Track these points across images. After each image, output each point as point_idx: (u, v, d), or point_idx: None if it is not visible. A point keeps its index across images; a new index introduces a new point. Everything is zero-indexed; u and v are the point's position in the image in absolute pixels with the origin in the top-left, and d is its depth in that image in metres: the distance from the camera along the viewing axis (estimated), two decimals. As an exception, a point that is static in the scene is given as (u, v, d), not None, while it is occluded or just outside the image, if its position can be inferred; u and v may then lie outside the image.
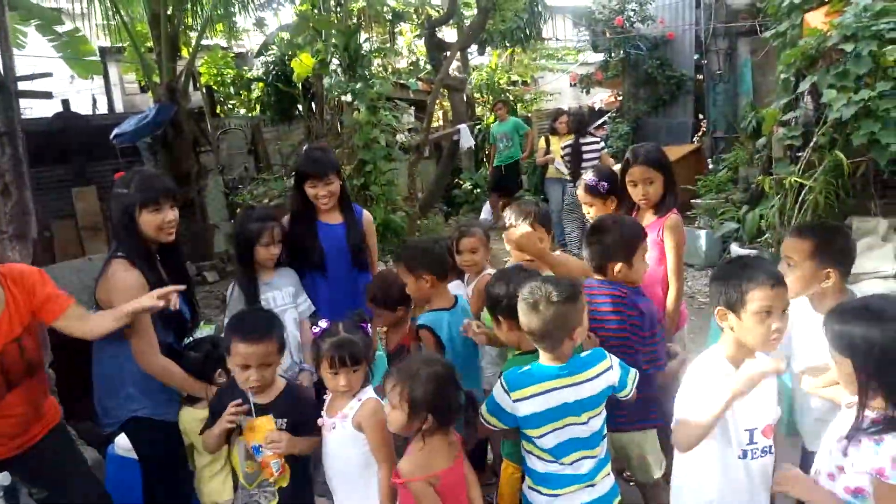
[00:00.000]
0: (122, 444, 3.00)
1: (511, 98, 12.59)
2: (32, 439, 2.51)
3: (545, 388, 2.19)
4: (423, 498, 2.11)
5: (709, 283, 2.19)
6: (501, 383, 2.24)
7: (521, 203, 3.19)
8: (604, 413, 2.27)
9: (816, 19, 6.35)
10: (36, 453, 2.51)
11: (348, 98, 7.08)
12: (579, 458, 2.23)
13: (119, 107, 13.38)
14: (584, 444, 2.23)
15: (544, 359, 2.23)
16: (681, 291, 3.05)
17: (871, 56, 5.40)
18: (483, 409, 2.30)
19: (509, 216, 3.04)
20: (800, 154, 5.98)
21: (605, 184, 3.27)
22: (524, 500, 2.33)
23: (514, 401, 2.20)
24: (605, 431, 2.31)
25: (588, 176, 3.35)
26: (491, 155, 12.25)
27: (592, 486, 2.24)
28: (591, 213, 3.33)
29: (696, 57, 10.44)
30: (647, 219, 3.13)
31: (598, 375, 2.24)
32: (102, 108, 13.25)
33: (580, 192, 3.38)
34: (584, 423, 2.21)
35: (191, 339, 2.84)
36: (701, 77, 10.47)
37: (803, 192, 5.81)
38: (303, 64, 7.53)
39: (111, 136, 7.90)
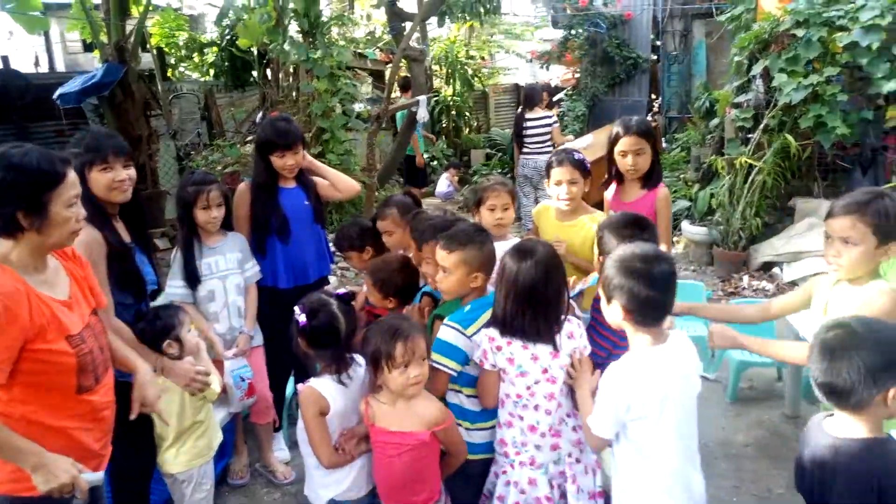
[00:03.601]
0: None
1: (469, 71, 12.53)
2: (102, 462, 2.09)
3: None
4: (455, 433, 2.26)
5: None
6: (452, 326, 2.30)
7: (498, 184, 3.04)
8: None
9: (770, 4, 6.52)
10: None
11: (307, 66, 6.91)
12: None
13: (61, 66, 12.81)
14: None
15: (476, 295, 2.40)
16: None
17: (820, 42, 5.60)
18: (433, 355, 2.30)
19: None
20: (750, 136, 6.17)
21: (588, 162, 3.12)
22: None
23: (471, 336, 2.29)
24: None
25: (568, 153, 3.07)
26: (449, 129, 12.24)
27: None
28: (572, 192, 3.03)
29: (651, 38, 10.59)
30: (634, 193, 3.15)
31: None
32: (43, 67, 12.66)
33: (562, 168, 3.03)
34: None
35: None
36: (656, 58, 10.63)
37: (753, 173, 6.01)
38: (248, 30, 7.31)
39: (54, 96, 7.57)
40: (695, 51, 9.96)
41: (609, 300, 2.03)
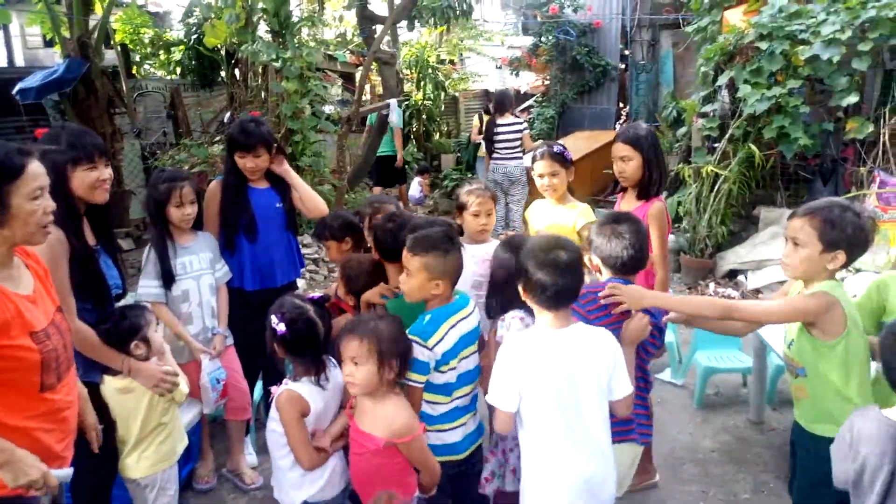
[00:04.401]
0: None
1: (440, 76, 12.54)
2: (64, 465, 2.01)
3: (451, 324, 2.35)
4: (420, 451, 2.19)
5: None
6: (413, 340, 2.29)
7: (481, 190, 3.10)
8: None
9: (735, 17, 6.68)
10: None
11: (276, 66, 6.83)
12: (469, 392, 2.46)
13: (20, 61, 12.45)
14: (471, 376, 2.45)
15: (438, 302, 2.38)
16: (667, 278, 3.07)
17: (783, 55, 5.74)
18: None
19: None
20: (716, 145, 6.29)
21: (570, 153, 3.26)
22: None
23: (433, 347, 2.29)
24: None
25: (549, 146, 3.25)
26: (419, 133, 12.20)
27: (475, 414, 2.51)
28: (554, 183, 3.21)
29: (620, 47, 10.74)
30: (632, 203, 3.17)
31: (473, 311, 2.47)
32: (0, 62, 12.30)
33: (542, 161, 3.22)
34: (473, 353, 2.43)
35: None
36: (625, 66, 10.78)
37: (719, 182, 6.12)
38: (215, 30, 7.20)
39: (14, 91, 7.36)
40: (662, 60, 10.13)
41: (524, 290, 2.18)
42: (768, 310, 2.29)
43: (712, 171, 6.12)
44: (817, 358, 2.21)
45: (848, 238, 2.12)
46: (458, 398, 2.42)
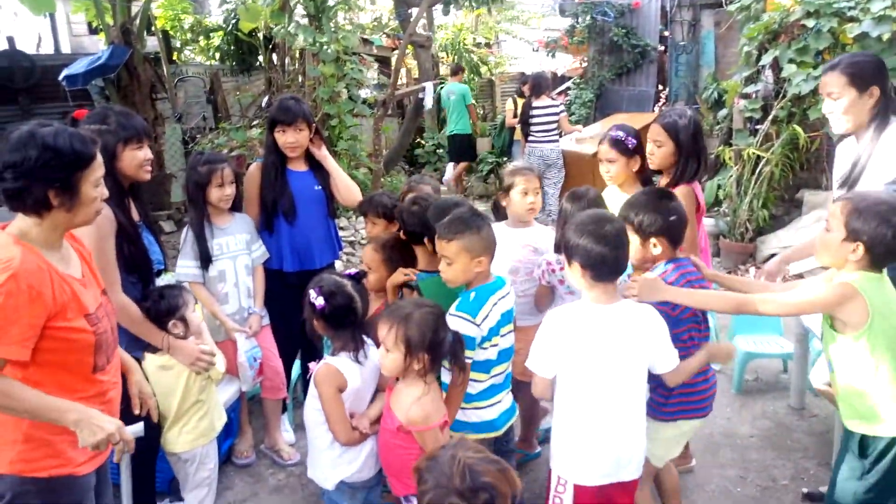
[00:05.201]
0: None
1: (475, 59, 12.47)
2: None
3: (494, 302, 2.40)
4: (431, 443, 2.13)
5: None
6: (461, 316, 2.33)
7: (527, 168, 3.07)
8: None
9: (781, -7, 6.45)
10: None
11: (313, 50, 6.87)
12: (504, 370, 2.49)
13: (66, 48, 12.76)
14: (508, 354, 2.48)
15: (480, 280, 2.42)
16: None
17: (830, 33, 5.55)
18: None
19: None
20: (759, 126, 6.14)
21: (633, 140, 3.09)
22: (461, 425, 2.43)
23: (480, 323, 2.33)
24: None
25: (613, 131, 3.14)
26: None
27: (509, 391, 2.56)
28: (611, 171, 3.12)
29: (660, 27, 10.52)
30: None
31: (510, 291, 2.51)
32: (47, 48, 12.62)
33: (603, 146, 3.14)
34: (510, 332, 2.47)
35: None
36: (664, 47, 10.56)
37: (760, 164, 5.98)
38: (249, 13, 7.26)
39: (60, 77, 7.55)
40: (703, 41, 9.88)
41: (569, 261, 2.19)
42: (783, 303, 2.23)
43: (754, 153, 5.98)
44: (841, 352, 2.14)
45: (870, 232, 2.02)
46: (495, 375, 2.45)
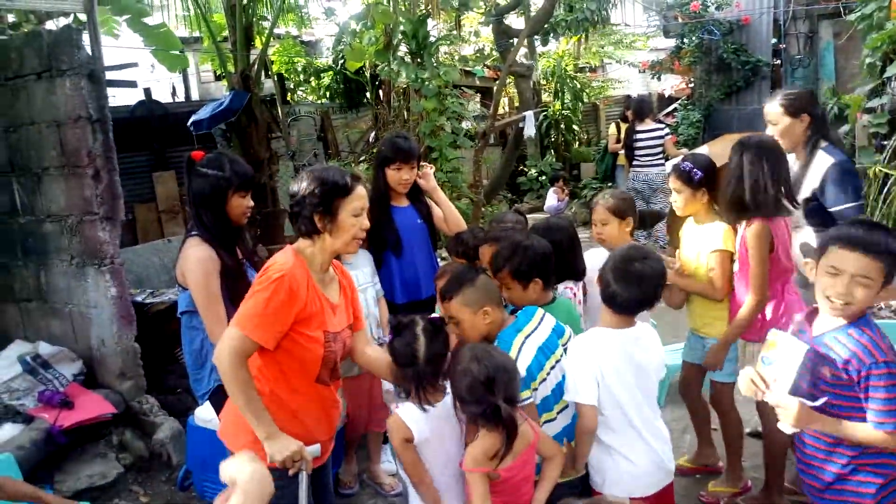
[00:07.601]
0: (201, 415, 3.18)
1: (578, 85, 12.38)
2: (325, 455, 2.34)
3: (521, 341, 2.37)
4: (475, 488, 2.10)
5: None
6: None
7: (603, 199, 3.18)
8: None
9: (907, 0, 6.03)
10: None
11: (415, 86, 7.11)
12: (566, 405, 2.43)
13: (195, 95, 13.88)
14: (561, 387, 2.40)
15: (498, 328, 2.43)
16: (758, 303, 2.80)
17: (965, 39, 5.10)
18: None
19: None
20: (885, 143, 5.71)
21: (699, 172, 2.95)
22: None
23: (516, 357, 2.30)
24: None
25: (682, 160, 3.09)
26: (558, 143, 12.11)
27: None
28: (677, 201, 3.06)
29: (773, 41, 10.05)
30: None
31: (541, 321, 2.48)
32: (180, 96, 13.77)
33: (671, 177, 3.10)
34: (559, 362, 2.41)
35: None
36: (778, 62, 10.07)
37: (889, 183, 5.54)
38: (354, 52, 7.60)
39: (188, 123, 8.20)
40: (822, 53, 9.36)
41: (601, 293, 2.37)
42: None
43: (881, 171, 5.55)
44: None
45: None
46: (560, 411, 2.41)
